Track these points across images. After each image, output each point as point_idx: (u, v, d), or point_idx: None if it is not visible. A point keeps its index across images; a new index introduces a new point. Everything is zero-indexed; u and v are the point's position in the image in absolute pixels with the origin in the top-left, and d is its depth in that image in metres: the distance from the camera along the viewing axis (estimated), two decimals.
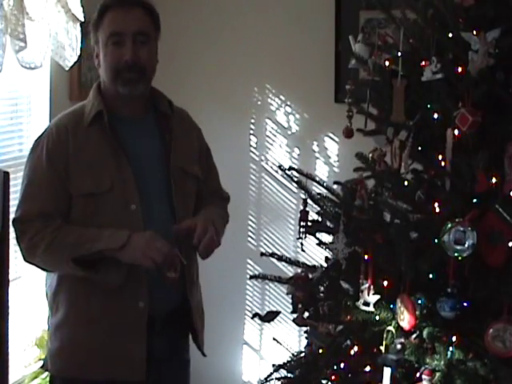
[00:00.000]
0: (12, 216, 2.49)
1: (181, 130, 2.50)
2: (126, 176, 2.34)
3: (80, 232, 2.29)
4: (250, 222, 4.06)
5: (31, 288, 3.35)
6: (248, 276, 2.98)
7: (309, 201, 2.71)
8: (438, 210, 2.19)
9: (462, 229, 2.06)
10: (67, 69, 3.27)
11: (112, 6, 2.33)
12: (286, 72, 3.96)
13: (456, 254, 2.08)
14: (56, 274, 2.41)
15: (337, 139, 3.88)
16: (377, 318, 2.33)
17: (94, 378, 2.38)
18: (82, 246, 2.26)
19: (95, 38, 2.38)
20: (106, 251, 2.27)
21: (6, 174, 2.51)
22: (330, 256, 2.58)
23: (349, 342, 2.46)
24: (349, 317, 2.42)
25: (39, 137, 2.42)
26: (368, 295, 2.34)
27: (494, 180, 2.12)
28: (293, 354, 2.74)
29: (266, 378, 2.76)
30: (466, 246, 2.07)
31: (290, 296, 2.75)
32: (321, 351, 2.53)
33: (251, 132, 4.03)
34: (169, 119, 2.48)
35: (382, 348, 2.27)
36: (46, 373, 3.28)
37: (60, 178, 2.32)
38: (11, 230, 2.50)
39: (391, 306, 2.30)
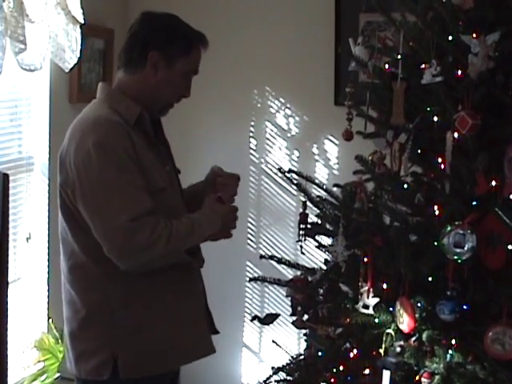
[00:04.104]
0: (12, 217, 2.48)
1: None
2: (172, 172, 2.47)
3: (182, 221, 2.34)
4: (250, 225, 4.05)
5: (30, 290, 3.34)
6: (247, 278, 2.98)
7: (308, 203, 2.71)
8: (437, 212, 2.19)
9: (461, 232, 2.06)
10: (67, 71, 3.27)
11: (203, 44, 2.44)
12: (285, 74, 3.96)
13: (455, 257, 2.08)
14: (114, 289, 2.33)
15: (336, 142, 3.88)
16: (376, 320, 2.33)
17: (170, 368, 2.42)
18: (194, 234, 2.34)
19: (172, 58, 2.39)
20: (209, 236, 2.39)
21: (6, 176, 2.50)
22: (329, 258, 2.59)
23: (348, 344, 2.46)
24: (348, 319, 2.42)
25: (97, 141, 2.28)
26: (367, 298, 2.34)
27: (493, 183, 2.12)
28: (292, 357, 2.74)
29: (265, 381, 2.76)
30: (466, 248, 2.07)
31: (290, 298, 2.75)
32: (320, 354, 2.53)
33: (251, 134, 4.03)
34: (161, 127, 2.54)
35: (382, 351, 2.27)
36: (45, 375, 3.28)
37: (140, 173, 2.31)
38: (11, 231, 2.50)
39: (391, 308, 2.30)
